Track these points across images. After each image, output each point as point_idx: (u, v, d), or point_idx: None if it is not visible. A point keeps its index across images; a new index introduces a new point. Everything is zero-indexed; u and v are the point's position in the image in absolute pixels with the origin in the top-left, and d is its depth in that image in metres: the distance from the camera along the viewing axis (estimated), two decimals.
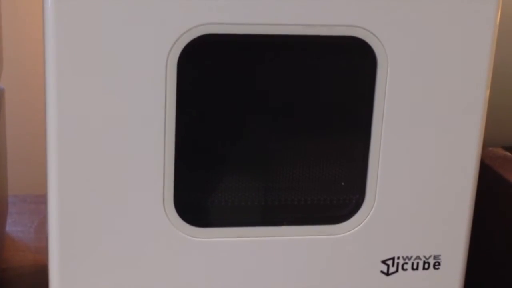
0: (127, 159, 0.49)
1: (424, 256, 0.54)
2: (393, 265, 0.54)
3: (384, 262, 0.54)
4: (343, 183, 0.53)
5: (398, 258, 0.54)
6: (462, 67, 0.51)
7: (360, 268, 0.53)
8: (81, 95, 0.47)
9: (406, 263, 0.54)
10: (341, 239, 0.53)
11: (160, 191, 0.49)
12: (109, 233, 0.50)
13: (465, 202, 0.53)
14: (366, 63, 0.50)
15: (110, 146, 0.48)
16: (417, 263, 0.54)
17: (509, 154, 0.68)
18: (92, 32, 0.46)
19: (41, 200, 0.79)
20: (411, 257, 0.54)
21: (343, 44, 0.50)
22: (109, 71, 0.47)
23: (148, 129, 0.48)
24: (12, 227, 0.76)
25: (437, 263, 0.54)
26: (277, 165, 0.52)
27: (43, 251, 0.70)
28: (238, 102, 0.51)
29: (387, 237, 0.53)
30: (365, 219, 0.53)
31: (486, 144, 0.56)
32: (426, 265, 0.54)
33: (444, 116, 0.51)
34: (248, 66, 0.50)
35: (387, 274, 0.54)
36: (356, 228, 0.53)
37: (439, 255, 0.54)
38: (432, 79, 0.50)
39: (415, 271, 0.54)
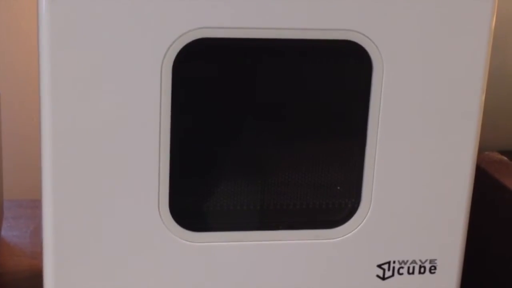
0: (122, 164, 0.48)
1: (420, 260, 0.54)
2: (389, 269, 0.54)
3: (380, 266, 0.54)
4: (339, 188, 0.53)
5: (394, 262, 0.54)
6: (457, 71, 0.51)
7: (356, 272, 0.53)
8: (75, 99, 0.47)
9: (402, 267, 0.54)
10: (337, 243, 0.53)
11: (155, 195, 0.49)
12: (104, 238, 0.50)
13: (461, 206, 0.53)
14: (361, 67, 0.50)
15: (105, 151, 0.48)
16: (413, 267, 0.54)
17: (505, 158, 0.68)
18: (86, 36, 0.46)
19: (37, 205, 0.79)
20: (407, 261, 0.54)
21: (338, 48, 0.50)
22: (104, 75, 0.47)
23: (143, 133, 0.48)
24: (8, 232, 0.76)
25: (433, 267, 0.54)
26: (273, 169, 0.52)
27: (39, 256, 0.69)
28: (234, 106, 0.51)
29: (383, 241, 0.53)
30: (360, 224, 0.52)
31: (482, 148, 0.56)
32: (422, 270, 0.54)
33: (440, 120, 0.51)
34: (244, 70, 0.50)
35: (383, 278, 0.54)
36: (352, 233, 0.53)
37: (435, 259, 0.54)
38: (428, 83, 0.50)
39: (411, 275, 0.54)
